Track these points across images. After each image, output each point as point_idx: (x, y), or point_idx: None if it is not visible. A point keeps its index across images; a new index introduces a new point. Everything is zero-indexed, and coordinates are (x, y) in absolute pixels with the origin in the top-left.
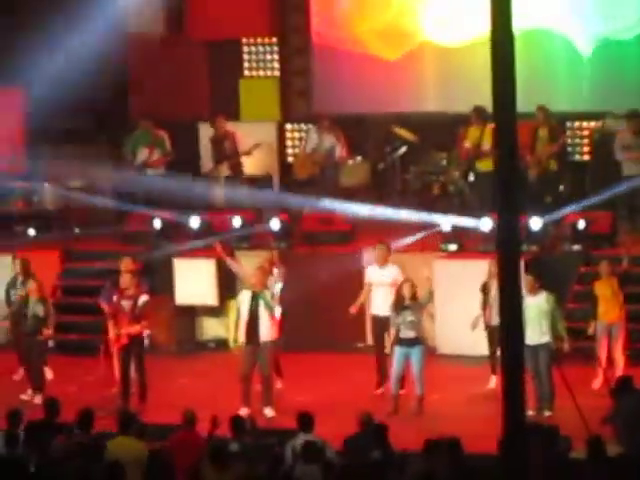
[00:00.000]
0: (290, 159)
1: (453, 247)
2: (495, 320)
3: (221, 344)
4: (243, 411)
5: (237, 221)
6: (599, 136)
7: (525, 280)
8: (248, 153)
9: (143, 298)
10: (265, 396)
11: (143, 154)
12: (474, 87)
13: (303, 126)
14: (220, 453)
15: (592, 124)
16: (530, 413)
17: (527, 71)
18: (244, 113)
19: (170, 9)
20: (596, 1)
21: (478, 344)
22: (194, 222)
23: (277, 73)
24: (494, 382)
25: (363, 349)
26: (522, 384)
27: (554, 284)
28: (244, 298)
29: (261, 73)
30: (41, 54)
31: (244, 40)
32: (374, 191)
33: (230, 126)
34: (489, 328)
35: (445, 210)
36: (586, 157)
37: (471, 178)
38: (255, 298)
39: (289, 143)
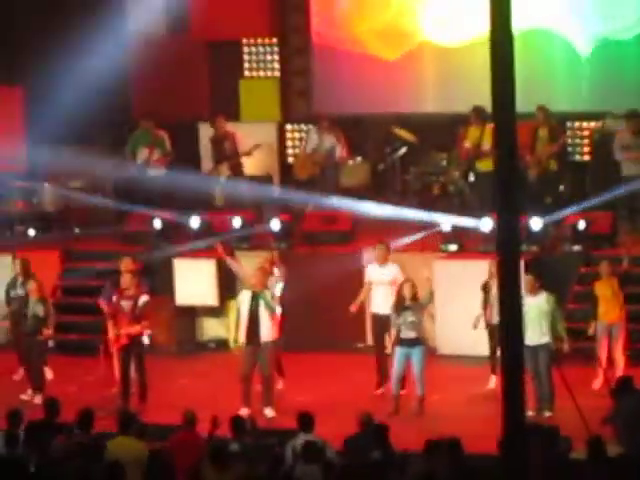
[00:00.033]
0: (290, 159)
1: (453, 247)
2: (496, 319)
3: (221, 344)
4: (243, 411)
5: (237, 221)
6: (599, 136)
7: (525, 280)
8: (248, 153)
9: (143, 298)
10: (265, 396)
11: (143, 154)
12: (473, 87)
13: (303, 126)
14: (220, 453)
15: (592, 124)
16: (530, 414)
17: (527, 71)
18: (244, 113)
19: (171, 10)
20: (595, 1)
21: (478, 344)
22: (194, 222)
23: (277, 73)
24: (494, 382)
25: (363, 349)
26: (522, 384)
27: (554, 284)
28: (244, 298)
29: (261, 73)
30: (41, 54)
31: (244, 40)
32: (374, 191)
33: (230, 126)
34: (490, 327)
35: (445, 210)
36: (586, 157)
37: (471, 178)
38: (255, 298)
39: (289, 143)
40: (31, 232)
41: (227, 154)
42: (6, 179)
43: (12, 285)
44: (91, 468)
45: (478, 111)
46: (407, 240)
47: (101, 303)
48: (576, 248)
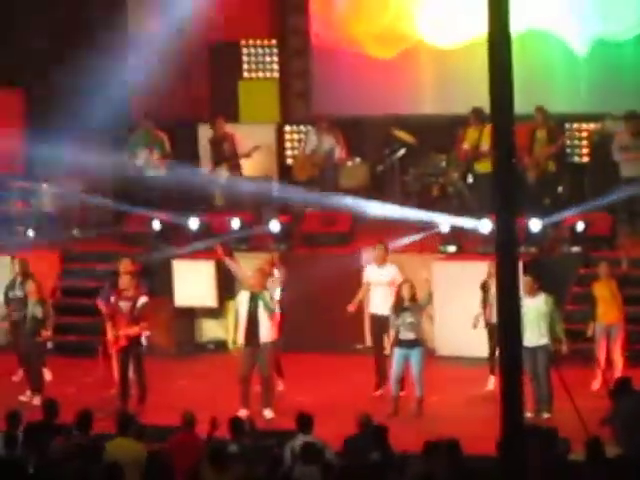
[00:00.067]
0: (289, 161)
1: (452, 249)
2: (495, 318)
3: (220, 346)
4: (242, 412)
5: (236, 223)
6: (598, 138)
7: (524, 282)
8: (247, 155)
9: (142, 299)
10: (264, 397)
11: (142, 155)
12: (472, 88)
13: (302, 128)
14: (219, 455)
15: (591, 126)
16: (529, 415)
17: (525, 73)
18: (243, 115)
19: (171, 11)
20: (594, 2)
21: (477, 346)
22: (193, 223)
23: (276, 75)
24: (493, 383)
25: (362, 350)
26: (520, 386)
27: (553, 286)
28: (242, 299)
29: (260, 75)
30: (41, 54)
31: (243, 42)
32: (373, 192)
33: (229, 128)
34: (489, 326)
35: (444, 212)
36: (585, 159)
37: (470, 179)
38: (254, 299)
39: (288, 145)
40: (30, 233)
41: (226, 155)
42: (5, 180)
43: (11, 286)
44: (90, 469)
45: (477, 112)
46: (406, 241)
47: (99, 304)
48: (575, 249)
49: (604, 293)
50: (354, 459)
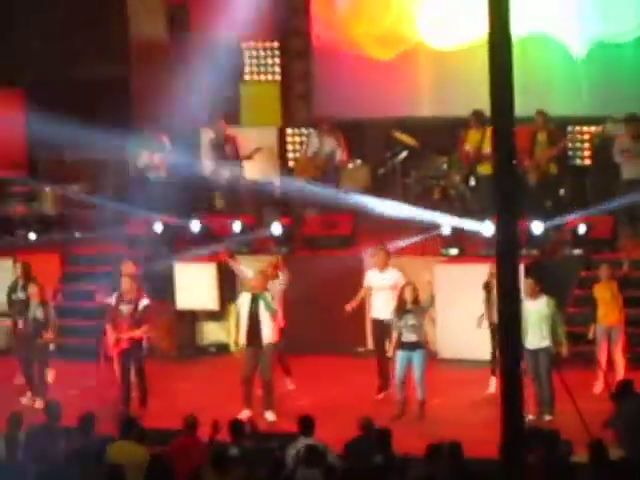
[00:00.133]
0: (291, 163)
1: (454, 251)
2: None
3: (222, 349)
4: (244, 413)
5: (237, 225)
6: (599, 140)
7: (525, 284)
8: (249, 157)
9: (143, 302)
10: (266, 400)
11: (144, 158)
12: (473, 91)
13: (304, 130)
14: (221, 458)
15: (592, 128)
16: (530, 417)
17: (525, 76)
18: (245, 117)
19: (171, 13)
20: (594, 5)
21: (479, 348)
22: (194, 226)
23: (278, 77)
24: (494, 386)
25: (364, 353)
26: (521, 388)
27: (554, 288)
28: (244, 301)
29: (262, 77)
30: (42, 54)
31: (245, 44)
32: (375, 195)
33: (231, 130)
34: (492, 326)
35: (446, 214)
36: (586, 161)
37: (472, 182)
38: (255, 300)
39: (290, 147)
40: (32, 235)
41: (228, 158)
42: (7, 182)
43: (13, 289)
44: (91, 472)
45: (478, 115)
46: (408, 244)
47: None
48: (576, 252)
49: (605, 295)
50: (356, 462)
